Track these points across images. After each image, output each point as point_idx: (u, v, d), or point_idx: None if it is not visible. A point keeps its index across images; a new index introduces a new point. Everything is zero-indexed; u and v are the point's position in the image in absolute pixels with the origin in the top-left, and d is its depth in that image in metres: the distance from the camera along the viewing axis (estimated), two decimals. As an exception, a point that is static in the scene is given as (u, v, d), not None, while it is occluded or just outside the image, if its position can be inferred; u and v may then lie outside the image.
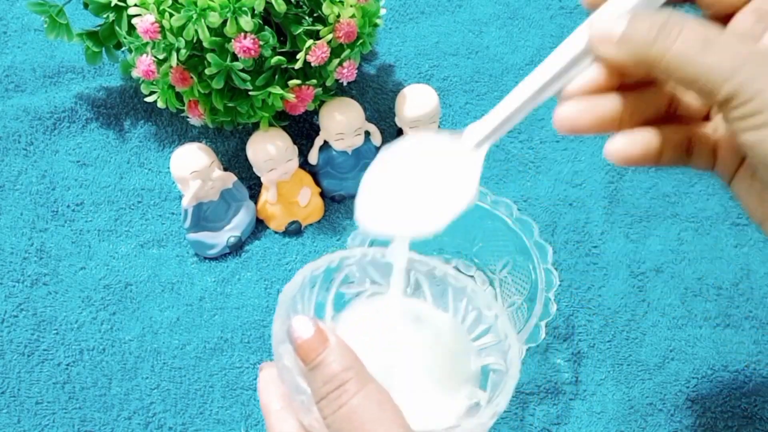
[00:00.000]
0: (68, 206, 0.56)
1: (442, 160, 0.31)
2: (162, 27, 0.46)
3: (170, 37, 0.46)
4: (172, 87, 0.50)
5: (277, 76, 0.49)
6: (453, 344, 0.34)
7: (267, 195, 0.55)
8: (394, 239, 0.32)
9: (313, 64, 0.48)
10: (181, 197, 0.54)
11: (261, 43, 0.46)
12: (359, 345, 0.28)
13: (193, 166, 0.51)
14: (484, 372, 0.33)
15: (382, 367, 0.29)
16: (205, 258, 0.55)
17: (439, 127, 0.56)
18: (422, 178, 0.31)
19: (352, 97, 0.56)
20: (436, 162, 0.31)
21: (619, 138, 0.29)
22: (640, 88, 0.30)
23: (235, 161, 0.58)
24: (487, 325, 0.33)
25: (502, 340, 0.32)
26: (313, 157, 0.55)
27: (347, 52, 0.50)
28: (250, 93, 0.48)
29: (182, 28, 0.45)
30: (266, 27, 0.46)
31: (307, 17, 0.48)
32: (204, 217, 0.54)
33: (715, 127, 0.31)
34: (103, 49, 0.56)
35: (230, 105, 0.50)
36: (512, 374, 0.30)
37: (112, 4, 0.51)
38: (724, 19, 0.29)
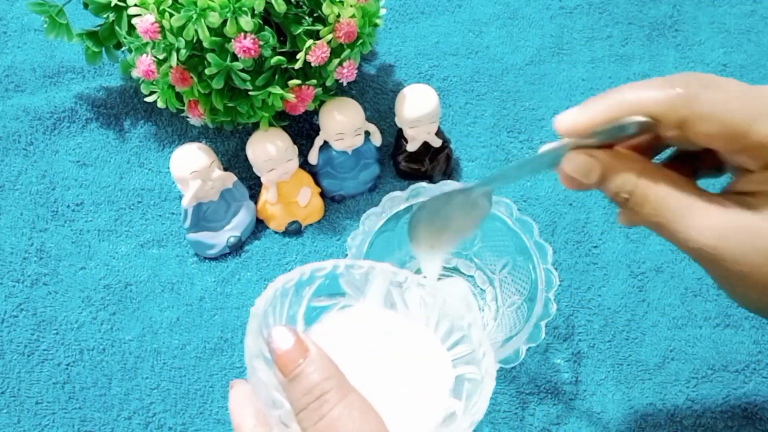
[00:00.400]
0: (68, 206, 0.56)
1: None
2: (162, 27, 0.46)
3: (170, 37, 0.46)
4: (172, 87, 0.50)
5: (277, 76, 0.49)
6: (426, 355, 0.34)
7: (267, 195, 0.55)
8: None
9: (313, 64, 0.48)
10: (181, 197, 0.54)
11: (261, 43, 0.46)
12: (333, 357, 0.28)
13: (193, 166, 0.51)
14: (459, 382, 0.32)
15: (356, 380, 0.28)
16: (205, 258, 0.55)
17: (439, 126, 0.56)
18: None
19: (352, 97, 0.56)
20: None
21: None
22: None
23: (235, 161, 0.58)
24: (461, 335, 0.33)
25: (476, 349, 0.32)
26: (313, 157, 0.55)
27: (347, 52, 0.50)
28: (250, 93, 0.48)
29: (182, 28, 0.45)
30: (266, 27, 0.46)
31: (307, 17, 0.48)
32: (204, 217, 0.54)
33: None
34: (103, 49, 0.56)
35: (230, 105, 0.50)
36: (487, 383, 0.29)
37: (112, 4, 0.51)
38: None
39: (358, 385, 0.28)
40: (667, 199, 0.27)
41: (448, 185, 0.50)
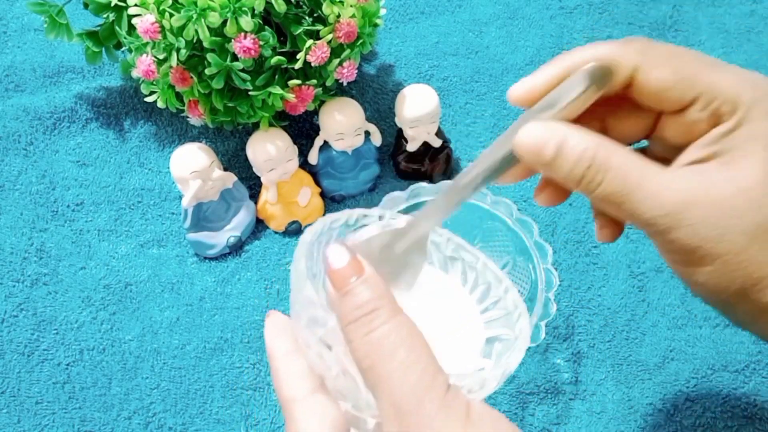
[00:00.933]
0: (68, 206, 0.56)
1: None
2: (162, 27, 0.46)
3: (170, 37, 0.46)
4: (172, 87, 0.50)
5: (277, 76, 0.49)
6: (460, 314, 0.34)
7: (267, 195, 0.55)
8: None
9: (313, 64, 0.48)
10: (181, 197, 0.54)
11: (261, 43, 0.46)
12: None
13: (193, 166, 0.51)
14: (490, 343, 0.33)
15: None
16: (205, 258, 0.55)
17: (439, 126, 0.56)
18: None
19: (352, 97, 0.56)
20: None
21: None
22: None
23: (235, 161, 0.58)
24: (496, 299, 0.33)
25: (510, 312, 0.32)
26: (313, 157, 0.55)
27: (347, 52, 0.50)
28: (250, 93, 0.48)
29: (182, 28, 0.45)
30: (266, 27, 0.46)
31: (307, 17, 0.48)
32: (204, 217, 0.54)
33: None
34: (103, 49, 0.56)
35: (230, 105, 0.50)
36: (521, 340, 0.30)
37: (112, 4, 0.51)
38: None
39: None
40: (629, 165, 0.26)
41: (446, 186, 0.50)
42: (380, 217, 0.34)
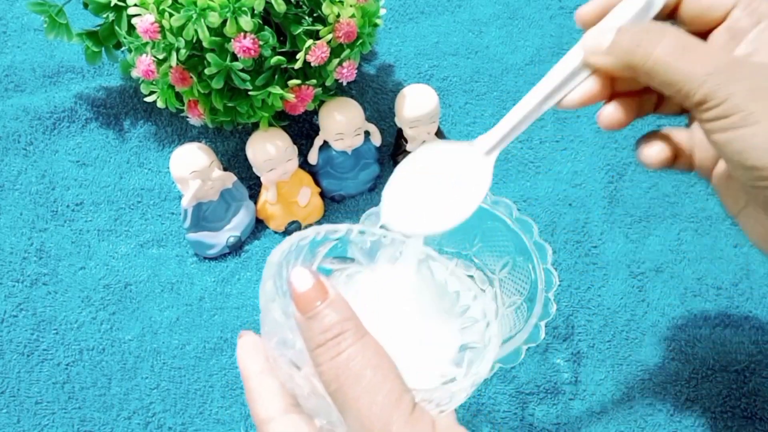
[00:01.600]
0: (68, 206, 0.56)
1: (458, 166, 0.34)
2: (162, 27, 0.46)
3: (170, 37, 0.45)
4: (171, 87, 0.50)
5: (276, 76, 0.49)
6: (432, 323, 0.34)
7: (267, 195, 0.55)
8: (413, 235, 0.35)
9: (312, 64, 0.48)
10: (180, 197, 0.54)
11: (261, 42, 0.46)
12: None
13: (192, 166, 0.51)
14: (462, 350, 0.33)
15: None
16: (205, 258, 0.55)
17: (439, 126, 0.56)
18: (440, 182, 0.34)
19: (351, 97, 0.56)
20: (453, 168, 0.34)
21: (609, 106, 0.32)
22: (631, 96, 0.33)
23: (235, 161, 0.58)
24: (466, 306, 0.34)
25: (478, 320, 0.32)
26: (313, 157, 0.55)
27: (347, 52, 0.50)
28: (249, 93, 0.48)
29: (182, 27, 0.45)
30: (266, 27, 0.46)
31: (306, 17, 0.48)
32: (204, 217, 0.54)
33: (692, 133, 0.34)
34: (103, 48, 0.56)
35: (230, 105, 0.50)
36: (492, 347, 0.30)
37: (112, 4, 0.51)
38: (702, 36, 0.32)
39: None
40: (682, 34, 0.29)
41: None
42: (348, 231, 0.34)
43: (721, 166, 0.33)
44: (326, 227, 0.34)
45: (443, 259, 0.35)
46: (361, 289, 0.35)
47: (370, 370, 0.25)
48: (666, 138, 0.33)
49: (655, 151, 0.33)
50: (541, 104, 0.33)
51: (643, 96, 0.33)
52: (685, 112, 0.34)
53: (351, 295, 0.35)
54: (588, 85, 0.32)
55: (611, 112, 0.32)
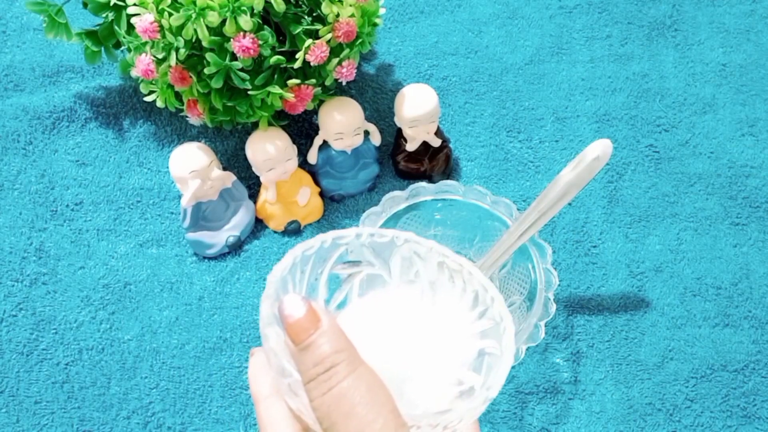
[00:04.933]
0: (67, 206, 0.56)
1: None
2: (161, 26, 0.46)
3: (169, 37, 0.45)
4: (171, 86, 0.50)
5: (276, 76, 0.49)
6: (451, 327, 0.34)
7: (266, 194, 0.55)
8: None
9: (312, 64, 0.48)
10: (180, 197, 0.54)
11: (260, 42, 0.46)
12: (356, 328, 0.27)
13: (192, 165, 0.51)
14: (480, 355, 0.32)
15: (376, 350, 0.28)
16: (204, 257, 0.55)
17: (438, 126, 0.56)
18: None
19: (351, 96, 0.56)
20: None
21: None
22: None
23: (235, 161, 0.58)
24: (484, 308, 0.33)
25: (497, 324, 0.32)
26: (313, 157, 0.55)
27: (346, 51, 0.50)
28: (249, 92, 0.48)
29: (181, 27, 0.45)
30: (265, 26, 0.46)
31: (306, 16, 0.48)
32: (203, 216, 0.54)
33: None
34: (102, 48, 0.56)
35: (229, 104, 0.50)
36: (506, 358, 0.29)
37: (111, 4, 0.51)
38: None
39: (377, 355, 0.27)
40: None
41: (447, 185, 0.50)
42: (357, 236, 0.33)
43: None
44: (332, 234, 0.32)
45: (459, 258, 0.34)
46: (376, 295, 0.35)
47: (362, 407, 0.25)
48: None
49: None
50: None
51: None
52: None
53: (368, 299, 0.34)
54: None
55: None
